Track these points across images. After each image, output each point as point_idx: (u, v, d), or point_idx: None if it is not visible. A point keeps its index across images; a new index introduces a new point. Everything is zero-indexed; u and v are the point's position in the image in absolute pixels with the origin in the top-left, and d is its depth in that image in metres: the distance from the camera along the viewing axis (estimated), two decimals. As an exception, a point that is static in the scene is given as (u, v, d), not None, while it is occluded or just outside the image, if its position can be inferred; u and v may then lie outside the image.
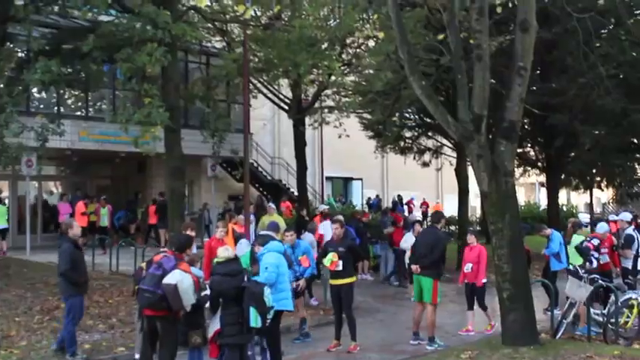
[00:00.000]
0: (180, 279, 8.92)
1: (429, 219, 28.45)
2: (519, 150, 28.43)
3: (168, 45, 15.43)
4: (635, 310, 12.45)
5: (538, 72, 25.37)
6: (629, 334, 12.34)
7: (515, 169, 30.67)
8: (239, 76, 20.04)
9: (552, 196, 28.89)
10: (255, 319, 9.02)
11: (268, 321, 9.46)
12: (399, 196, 38.62)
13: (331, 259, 11.68)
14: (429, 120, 24.48)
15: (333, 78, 21.88)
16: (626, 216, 15.80)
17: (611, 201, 44.81)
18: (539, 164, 30.05)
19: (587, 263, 13.52)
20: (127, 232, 26.64)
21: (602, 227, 14.73)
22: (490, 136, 13.54)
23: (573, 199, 50.38)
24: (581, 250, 14.05)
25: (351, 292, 11.89)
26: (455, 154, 25.79)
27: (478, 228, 34.00)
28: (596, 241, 13.79)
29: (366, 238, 21.18)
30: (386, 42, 18.66)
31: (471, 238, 14.20)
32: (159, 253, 9.79)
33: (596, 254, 13.61)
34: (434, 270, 12.41)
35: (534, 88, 23.32)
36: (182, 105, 21.58)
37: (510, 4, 14.45)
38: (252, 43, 19.77)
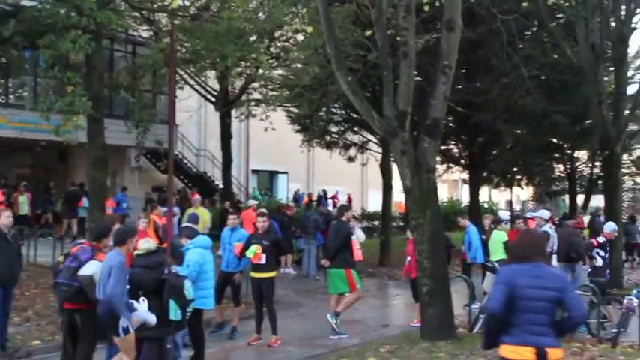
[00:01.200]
0: (97, 270, 8.73)
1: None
2: (443, 147, 28.87)
3: (92, 32, 15.12)
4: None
5: (463, 71, 25.76)
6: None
7: (439, 166, 31.24)
8: (165, 66, 19.74)
9: (474, 193, 29.43)
10: (174, 312, 8.89)
11: (188, 314, 9.37)
12: (323, 190, 38.76)
13: (254, 251, 11.63)
14: (355, 115, 24.59)
15: (260, 71, 21.79)
16: (544, 214, 16.23)
17: (530, 199, 45.91)
18: (463, 162, 30.58)
19: (591, 260, 13.47)
20: (44, 222, 26.11)
21: (609, 227, 14.30)
22: (415, 133, 13.72)
23: (494, 196, 51.43)
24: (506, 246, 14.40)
25: (272, 286, 11.88)
26: (380, 150, 25.99)
27: (401, 223, 34.49)
28: (601, 239, 13.55)
29: (290, 232, 21.25)
30: (314, 36, 18.65)
31: (409, 232, 14.37)
32: (76, 245, 9.58)
33: (601, 252, 13.35)
34: (341, 260, 12.61)
35: (459, 86, 23.69)
36: (106, 94, 21.19)
37: (437, 3, 14.60)
38: (179, 33, 19.49)
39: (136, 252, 9.18)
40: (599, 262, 13.32)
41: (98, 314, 8.44)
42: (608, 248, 13.62)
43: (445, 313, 11.71)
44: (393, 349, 10.90)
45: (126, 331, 8.34)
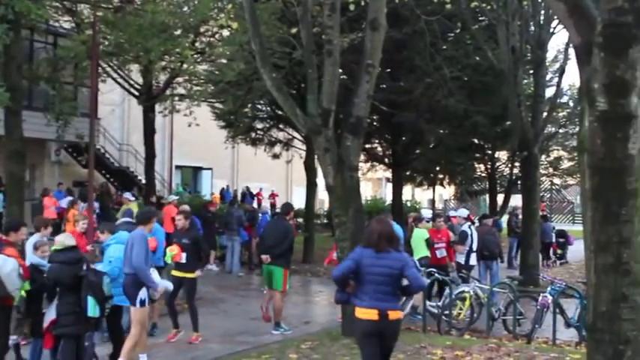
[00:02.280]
0: (2, 264, 8.53)
1: (277, 210, 28.60)
2: (367, 146, 29.11)
3: (11, 22, 14.74)
4: (467, 303, 13.06)
5: (388, 71, 26.02)
6: (462, 325, 12.95)
7: (363, 164, 31.52)
8: (87, 58, 19.45)
9: (397, 192, 29.74)
10: (93, 309, 8.77)
11: (107, 311, 9.25)
12: (247, 187, 38.66)
13: (173, 254, 11.46)
14: (280, 112, 24.60)
15: (185, 66, 21.58)
16: (463, 212, 16.56)
17: (452, 198, 46.69)
18: (386, 160, 30.86)
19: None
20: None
21: None
22: (339, 131, 13.81)
23: (417, 195, 52.10)
24: (428, 243, 14.66)
25: (194, 285, 11.75)
26: (305, 148, 26.06)
27: (325, 221, 34.64)
28: None
29: (214, 228, 21.09)
30: (240, 32, 18.58)
31: None
32: (-12, 239, 9.34)
33: None
34: (283, 260, 12.61)
35: (383, 86, 23.94)
36: (25, 86, 20.68)
37: (363, 3, 14.72)
38: (102, 25, 19.18)
39: (53, 247, 9.01)
40: None
41: (123, 285, 9.39)
42: None
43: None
44: (315, 346, 10.95)
45: (142, 303, 9.38)
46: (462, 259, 15.15)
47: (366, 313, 7.02)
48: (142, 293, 9.40)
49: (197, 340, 11.54)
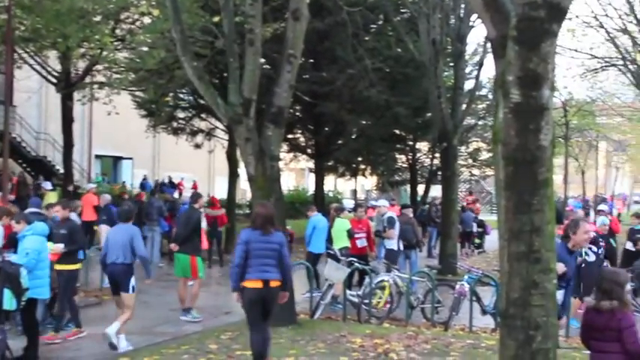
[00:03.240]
0: None
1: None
2: (290, 136, 29.16)
3: None
4: (386, 292, 13.23)
5: (310, 61, 26.11)
6: (381, 314, 13.11)
7: (285, 155, 31.54)
8: (2, 43, 18.88)
9: (319, 182, 29.87)
10: (9, 302, 8.58)
11: (23, 304, 9.03)
12: (169, 177, 38.23)
13: (52, 248, 10.87)
14: (202, 102, 24.39)
15: (104, 53, 21.18)
16: (385, 202, 16.76)
17: (374, 188, 47.09)
18: (309, 150, 30.95)
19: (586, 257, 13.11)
20: None
21: (599, 221, 14.49)
22: (260, 121, 13.77)
23: (340, 185, 52.42)
24: (349, 234, 14.76)
25: (72, 276, 11.20)
26: (227, 137, 25.90)
27: (247, 211, 34.53)
28: (592, 234, 13.40)
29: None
30: (161, 20, 18.34)
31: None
32: None
33: (594, 247, 13.10)
34: (189, 247, 12.69)
35: (306, 76, 23.99)
36: None
37: (286, -8, 14.69)
38: (17, 9, 18.65)
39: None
40: (592, 257, 13.31)
41: (116, 273, 10.45)
42: (601, 243, 13.53)
43: (286, 299, 11.81)
44: (235, 336, 10.92)
45: (133, 289, 10.52)
46: (394, 246, 15.27)
47: (253, 283, 8.46)
48: (133, 280, 10.50)
49: (75, 335, 11.15)
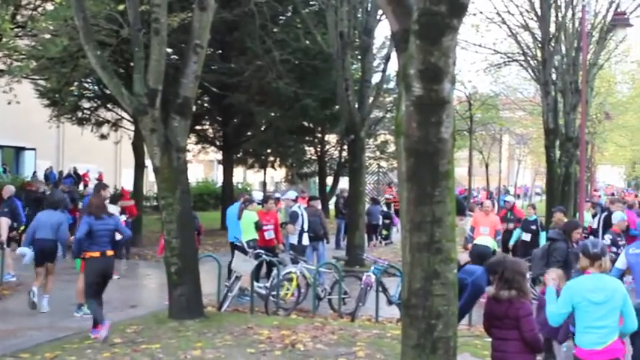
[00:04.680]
0: None
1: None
2: (198, 127, 28.89)
3: None
4: (294, 283, 13.28)
5: (219, 52, 25.92)
6: (288, 306, 13.15)
7: (193, 146, 31.25)
8: None
9: (228, 174, 29.72)
10: None
11: None
12: (74, 168, 37.34)
13: None
14: (108, 91, 23.87)
15: (4, 40, 20.45)
16: (291, 194, 16.80)
17: (283, 180, 47.17)
18: (217, 142, 30.73)
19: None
20: None
21: (616, 217, 14.19)
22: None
23: (249, 177, 52.27)
24: (257, 226, 14.74)
25: None
26: (133, 128, 25.45)
27: (155, 203, 34.07)
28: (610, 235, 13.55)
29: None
30: (64, 7, 17.81)
31: None
32: None
33: (613, 248, 12.59)
34: None
35: (214, 67, 23.80)
36: None
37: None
38: None
39: None
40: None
41: (47, 247, 12.49)
42: (620, 243, 13.23)
43: (194, 292, 11.74)
44: (140, 330, 10.79)
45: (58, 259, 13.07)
46: (295, 240, 15.37)
47: (94, 254, 10.42)
48: (59, 252, 12.95)
49: None
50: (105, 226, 10.57)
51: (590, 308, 6.30)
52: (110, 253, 10.65)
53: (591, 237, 20.22)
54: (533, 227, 17.00)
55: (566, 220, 14.93)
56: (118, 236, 11.22)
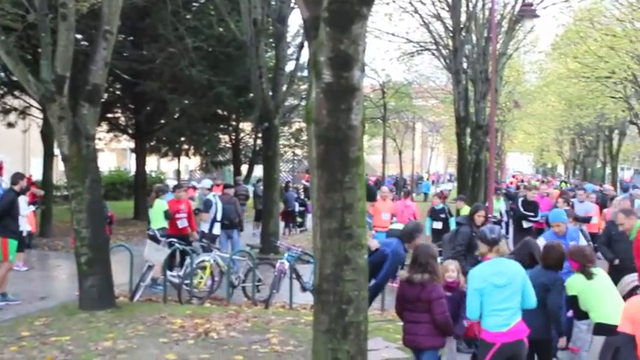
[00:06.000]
0: None
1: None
2: (110, 115, 28.36)
3: None
4: (207, 272, 13.22)
5: (130, 39, 25.47)
6: (202, 294, 13.07)
7: (105, 135, 30.67)
8: None
9: (140, 162, 29.29)
10: None
11: None
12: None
13: None
14: (15, 78, 23.15)
15: None
16: (207, 183, 16.67)
17: (197, 168, 46.74)
18: (130, 130, 30.24)
19: None
20: None
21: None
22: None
23: (163, 165, 51.62)
24: (167, 215, 14.60)
25: None
26: (42, 116, 24.78)
27: (65, 193, 33.28)
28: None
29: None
30: (-34, -10, 17.24)
31: None
32: None
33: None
34: (2, 228, 12.18)
35: (126, 54, 23.38)
36: None
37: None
38: None
39: None
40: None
41: None
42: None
43: (105, 282, 11.57)
44: (49, 322, 10.57)
45: None
46: (206, 228, 15.30)
47: None
48: None
49: None
50: None
51: (494, 291, 6.49)
52: None
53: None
54: (442, 215, 17.36)
55: (466, 207, 15.38)
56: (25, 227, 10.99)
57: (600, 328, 7.12)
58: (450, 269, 8.31)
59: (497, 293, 6.48)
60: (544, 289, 7.24)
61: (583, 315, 7.48)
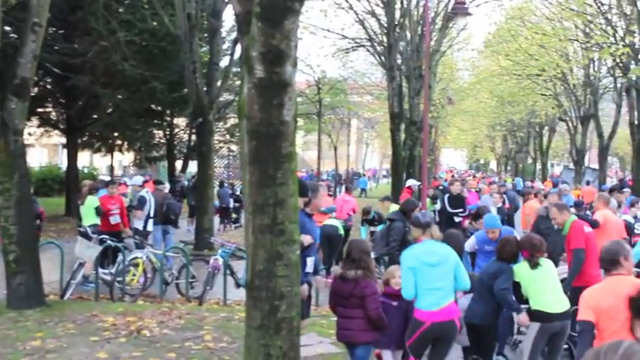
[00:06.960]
0: None
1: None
2: (40, 110, 27.79)
3: None
4: (140, 269, 13.06)
5: (61, 32, 24.99)
6: (135, 292, 12.92)
7: (36, 129, 30.01)
8: None
9: (72, 158, 28.79)
10: None
11: None
12: None
13: None
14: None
15: None
16: (138, 180, 16.50)
17: (131, 164, 46.13)
18: (61, 125, 29.68)
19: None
20: None
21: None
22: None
23: (96, 161, 50.78)
24: (97, 211, 14.39)
25: None
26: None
27: None
28: None
29: None
30: None
31: None
32: None
33: None
34: None
35: (57, 47, 22.94)
36: None
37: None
38: None
39: None
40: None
41: None
42: None
43: (34, 280, 11.33)
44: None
45: None
46: (140, 225, 15.12)
47: None
48: None
49: None
50: None
51: (426, 270, 6.66)
52: None
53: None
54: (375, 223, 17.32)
55: (394, 205, 15.53)
56: None
57: (537, 315, 7.40)
58: (398, 275, 7.37)
59: (430, 272, 6.67)
60: (493, 277, 7.54)
61: (524, 302, 7.68)
